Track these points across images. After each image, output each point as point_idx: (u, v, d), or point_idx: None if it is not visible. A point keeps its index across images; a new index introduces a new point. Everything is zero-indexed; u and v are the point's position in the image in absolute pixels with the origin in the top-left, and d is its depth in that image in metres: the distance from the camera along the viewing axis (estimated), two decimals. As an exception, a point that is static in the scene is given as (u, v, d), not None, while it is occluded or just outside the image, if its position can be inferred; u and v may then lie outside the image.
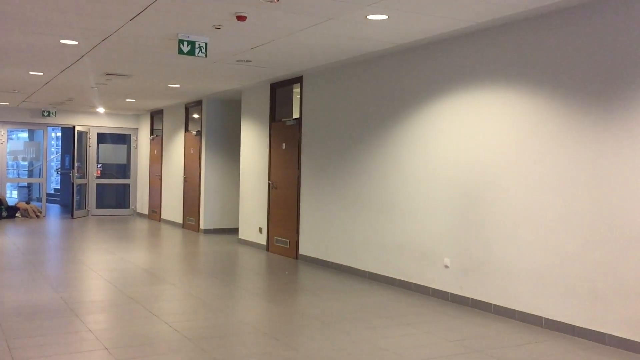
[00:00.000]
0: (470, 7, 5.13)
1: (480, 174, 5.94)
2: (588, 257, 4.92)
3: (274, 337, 4.94)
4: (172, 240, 11.50)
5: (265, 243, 10.04)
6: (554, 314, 5.18)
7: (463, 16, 5.42)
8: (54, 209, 18.09)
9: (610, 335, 4.74)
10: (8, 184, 16.50)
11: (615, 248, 4.72)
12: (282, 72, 8.87)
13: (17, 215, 14.88)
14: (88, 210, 15.81)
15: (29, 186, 20.12)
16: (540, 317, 5.29)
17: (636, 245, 4.59)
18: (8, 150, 15.93)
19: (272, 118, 9.94)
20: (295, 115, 9.59)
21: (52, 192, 20.82)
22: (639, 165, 4.57)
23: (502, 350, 4.64)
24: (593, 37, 4.91)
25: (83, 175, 15.65)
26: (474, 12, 5.27)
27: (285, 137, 9.47)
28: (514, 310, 5.53)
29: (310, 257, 8.73)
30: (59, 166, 20.99)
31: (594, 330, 4.86)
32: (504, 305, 5.63)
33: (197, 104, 12.70)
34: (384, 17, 5.50)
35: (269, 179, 9.91)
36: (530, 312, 5.39)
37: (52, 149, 21.80)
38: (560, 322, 5.12)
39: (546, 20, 5.27)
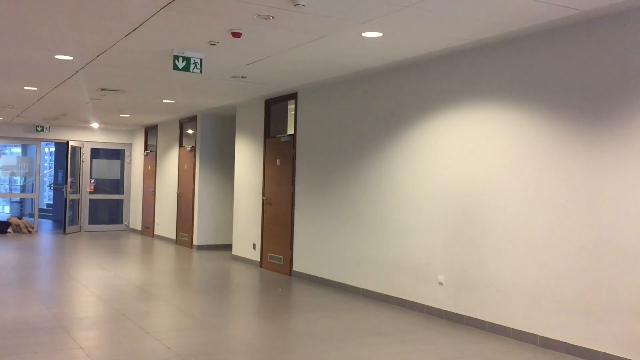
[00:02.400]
0: (464, 25, 5.17)
1: (474, 191, 5.94)
2: (582, 275, 4.92)
3: (266, 355, 4.89)
4: (165, 256, 11.43)
5: (259, 259, 10.00)
6: (548, 332, 5.16)
7: (457, 34, 5.45)
8: (47, 224, 17.99)
9: (604, 354, 4.72)
10: (0, 199, 16.41)
11: (609, 265, 4.72)
12: (276, 88, 8.89)
13: (8, 230, 14.79)
14: (81, 225, 15.73)
15: (22, 201, 20.02)
16: (534, 335, 5.27)
17: (630, 263, 4.59)
18: (1, 165, 15.88)
19: (267, 134, 9.95)
20: (290, 131, 9.60)
21: (45, 207, 20.71)
22: (632, 183, 4.59)
23: (496, 368, 4.60)
24: (586, 56, 4.95)
25: (76, 190, 15.59)
26: (468, 30, 5.31)
27: (280, 153, 9.47)
28: (509, 328, 5.51)
29: (304, 273, 8.69)
30: (52, 181, 20.91)
31: (588, 348, 4.84)
32: (498, 323, 5.61)
33: (192, 120, 12.71)
34: (379, 34, 5.53)
35: (263, 195, 9.89)
36: (524, 330, 5.37)
37: (46, 164, 21.73)
38: (555, 339, 5.10)
39: (539, 38, 5.32)
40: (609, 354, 4.69)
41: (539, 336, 5.23)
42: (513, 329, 5.47)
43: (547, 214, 5.22)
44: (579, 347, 4.90)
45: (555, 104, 5.19)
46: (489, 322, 5.71)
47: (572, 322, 4.98)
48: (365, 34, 5.55)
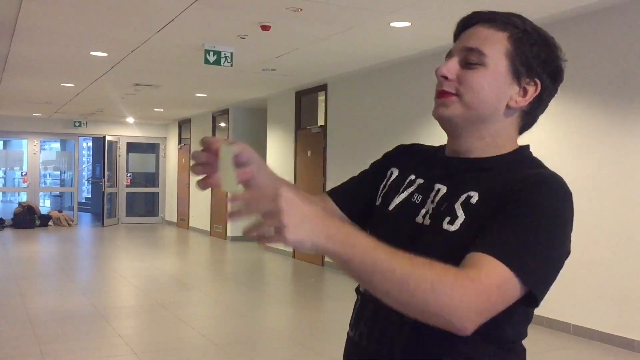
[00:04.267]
0: (493, 13, 5.12)
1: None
2: (616, 262, 4.86)
3: (299, 343, 4.97)
4: (200, 247, 11.62)
5: (291, 250, 10.09)
6: (582, 320, 5.12)
7: (486, 22, 5.40)
8: (85, 217, 18.42)
9: (639, 342, 4.67)
10: (41, 193, 16.87)
11: (644, 253, 4.66)
12: (306, 80, 8.93)
13: (49, 223, 15.18)
14: (118, 218, 16.06)
15: (61, 195, 20.53)
16: (568, 324, 5.23)
17: (665, 251, 4.51)
18: (41, 160, 16.30)
19: (298, 125, 10.01)
20: (321, 122, 9.64)
21: (84, 200, 21.18)
22: (667, 169, 4.51)
23: (530, 356, 4.57)
24: (611, 40, 4.86)
25: (113, 184, 15.91)
26: (497, 17, 5.26)
27: (311, 144, 9.52)
28: (542, 317, 5.47)
29: (336, 263, 8.73)
30: (90, 175, 21.37)
31: (622, 337, 4.79)
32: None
33: (224, 113, 12.85)
34: (407, 24, 5.52)
35: (295, 186, 9.95)
36: (558, 319, 5.33)
37: (83, 159, 22.20)
38: (589, 328, 5.05)
39: (564, 24, 5.24)
40: (644, 343, 4.63)
41: (573, 325, 5.19)
42: (546, 318, 5.43)
43: (580, 200, 5.12)
44: (613, 335, 4.85)
45: (583, 93, 5.11)
46: (521, 311, 5.68)
47: (605, 310, 4.92)
48: (393, 24, 5.54)
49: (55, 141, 20.28)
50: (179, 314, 5.88)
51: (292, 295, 7.33)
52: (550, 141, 5.43)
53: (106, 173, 15.57)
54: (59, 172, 20.52)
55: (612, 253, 4.89)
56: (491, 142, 1.15)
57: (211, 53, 6.44)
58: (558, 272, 1.06)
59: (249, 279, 8.20)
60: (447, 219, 1.08)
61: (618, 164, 4.86)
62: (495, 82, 1.11)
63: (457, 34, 1.21)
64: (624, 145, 4.82)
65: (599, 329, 4.97)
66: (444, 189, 1.14)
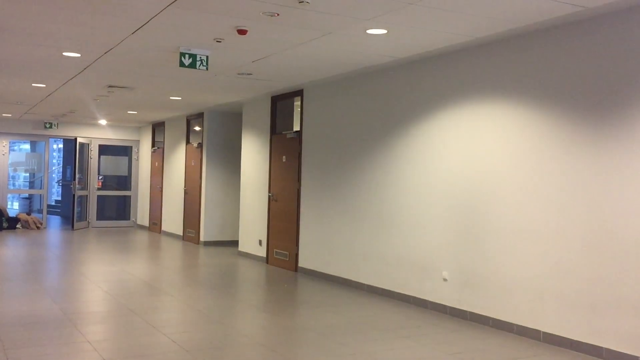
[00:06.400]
0: (468, 22, 5.18)
1: (478, 186, 5.96)
2: (586, 270, 4.93)
3: (272, 350, 4.94)
4: (172, 252, 11.50)
5: (265, 255, 10.05)
6: (552, 328, 5.18)
7: (461, 31, 5.47)
8: (55, 220, 18.11)
9: (607, 349, 4.74)
10: (9, 195, 16.54)
11: (613, 261, 4.74)
12: (282, 85, 8.92)
13: (17, 226, 14.90)
14: (89, 221, 15.83)
15: (30, 197, 20.16)
16: (538, 331, 5.29)
17: (633, 258, 4.60)
18: (10, 161, 15.99)
19: (273, 130, 9.99)
20: (296, 127, 9.63)
21: (53, 203, 20.84)
22: (636, 178, 4.60)
23: (499, 363, 4.63)
24: (588, 53, 4.95)
25: (84, 186, 15.69)
26: (472, 27, 5.32)
27: (286, 149, 9.51)
28: (512, 324, 5.53)
29: (310, 269, 8.73)
30: (60, 178, 21.03)
31: (591, 344, 4.86)
32: (502, 319, 5.63)
33: (199, 116, 12.76)
34: (384, 31, 5.55)
35: (269, 192, 9.93)
36: (528, 326, 5.39)
37: (54, 161, 21.85)
38: (558, 335, 5.12)
39: (542, 36, 5.32)
40: (613, 350, 4.70)
41: (543, 332, 5.25)
42: (517, 325, 5.48)
43: (551, 210, 5.23)
44: (583, 342, 4.92)
45: (559, 99, 5.19)
46: (492, 318, 5.73)
47: (575, 318, 4.99)
48: (370, 31, 5.57)
49: (25, 142, 19.93)
50: (150, 320, 5.79)
51: (265, 301, 7.29)
52: (521, 149, 5.50)
53: (77, 175, 15.34)
54: (28, 174, 20.14)
55: (582, 261, 4.96)
56: None
57: (187, 56, 6.39)
58: None
59: (221, 284, 8.13)
60: None
61: (587, 171, 4.93)
62: None
63: None
64: (592, 153, 4.90)
65: (569, 337, 5.03)
66: None
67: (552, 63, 5.26)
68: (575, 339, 4.98)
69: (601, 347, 4.78)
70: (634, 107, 4.63)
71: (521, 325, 5.45)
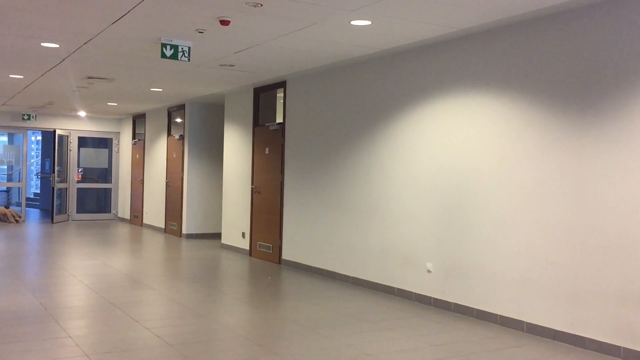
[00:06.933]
0: (453, 14, 5.17)
1: (462, 179, 5.98)
2: (569, 262, 4.97)
3: (256, 343, 4.91)
4: (154, 245, 11.41)
5: (248, 248, 10.01)
6: (535, 318, 5.22)
7: (446, 23, 5.46)
8: (34, 213, 17.87)
9: (590, 339, 4.79)
10: (-13, 188, 16.28)
11: (595, 252, 4.78)
12: (265, 77, 8.86)
13: (-5, 219, 14.68)
14: (68, 214, 15.64)
15: (8, 190, 19.85)
16: (521, 322, 5.33)
17: (615, 250, 4.64)
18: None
19: (256, 122, 9.93)
20: (279, 119, 9.58)
21: (32, 196, 20.56)
22: (619, 171, 4.64)
23: (484, 354, 4.66)
24: (574, 44, 4.97)
25: (64, 179, 15.48)
26: (457, 18, 5.31)
27: (269, 141, 9.45)
28: (496, 315, 5.56)
29: (293, 262, 8.71)
30: (39, 170, 20.74)
31: (574, 334, 4.90)
32: (485, 310, 5.67)
33: (180, 108, 12.65)
34: (368, 22, 5.52)
35: (252, 184, 9.88)
36: (511, 317, 5.42)
37: (32, 153, 21.54)
38: (542, 326, 5.16)
39: (529, 27, 5.33)
40: (595, 340, 4.75)
41: (526, 322, 5.29)
42: (500, 316, 5.52)
43: (534, 202, 5.26)
44: (566, 333, 4.97)
45: (543, 92, 5.21)
46: (476, 309, 5.76)
47: (558, 309, 5.04)
48: (354, 22, 5.54)
49: (2, 134, 19.59)
50: (133, 314, 5.74)
51: (249, 293, 7.26)
52: (505, 142, 5.51)
53: (56, 168, 15.13)
54: (5, 167, 19.83)
55: (565, 252, 5.00)
56: None
57: (168, 47, 6.31)
58: None
59: (204, 277, 8.08)
60: None
61: (570, 164, 4.97)
62: None
63: None
64: (576, 147, 4.93)
65: (552, 327, 5.08)
66: None
67: (535, 55, 5.28)
68: (558, 329, 5.03)
69: (584, 337, 4.83)
70: (617, 98, 4.66)
71: (505, 316, 5.48)
